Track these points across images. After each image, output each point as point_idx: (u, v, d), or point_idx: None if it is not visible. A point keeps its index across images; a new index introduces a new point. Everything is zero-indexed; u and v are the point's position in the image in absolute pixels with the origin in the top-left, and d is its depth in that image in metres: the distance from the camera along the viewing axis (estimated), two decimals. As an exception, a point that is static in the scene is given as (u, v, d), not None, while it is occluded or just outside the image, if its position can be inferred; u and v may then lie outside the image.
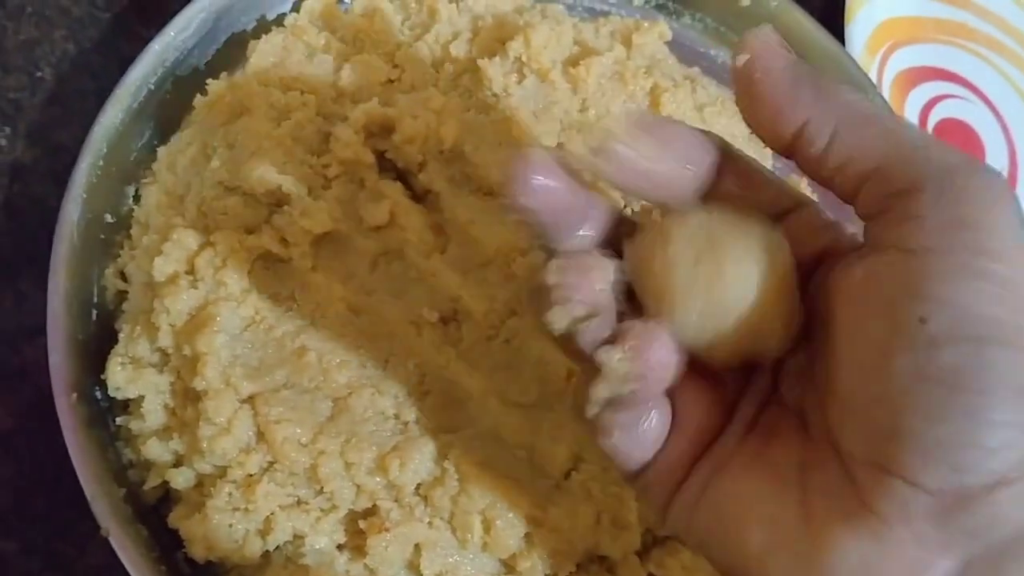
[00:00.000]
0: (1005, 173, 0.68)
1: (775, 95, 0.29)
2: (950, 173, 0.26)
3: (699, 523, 0.30)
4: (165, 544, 0.43)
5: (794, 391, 0.31)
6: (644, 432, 0.31)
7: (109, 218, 0.49)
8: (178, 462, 0.44)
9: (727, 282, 0.28)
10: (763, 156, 0.54)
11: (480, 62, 0.49)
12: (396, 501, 0.41)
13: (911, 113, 0.67)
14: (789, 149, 0.29)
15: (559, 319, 0.30)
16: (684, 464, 0.31)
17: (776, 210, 0.32)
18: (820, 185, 0.30)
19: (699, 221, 0.29)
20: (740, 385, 0.32)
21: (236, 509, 0.41)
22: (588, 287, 0.30)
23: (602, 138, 0.29)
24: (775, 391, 0.32)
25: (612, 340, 0.29)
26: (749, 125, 0.30)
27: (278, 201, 0.46)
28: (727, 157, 0.31)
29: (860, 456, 0.27)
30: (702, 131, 0.31)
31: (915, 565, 0.26)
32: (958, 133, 0.68)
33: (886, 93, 0.65)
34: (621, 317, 0.30)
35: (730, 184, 0.31)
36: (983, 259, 0.25)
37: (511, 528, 0.41)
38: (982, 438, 0.25)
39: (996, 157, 0.68)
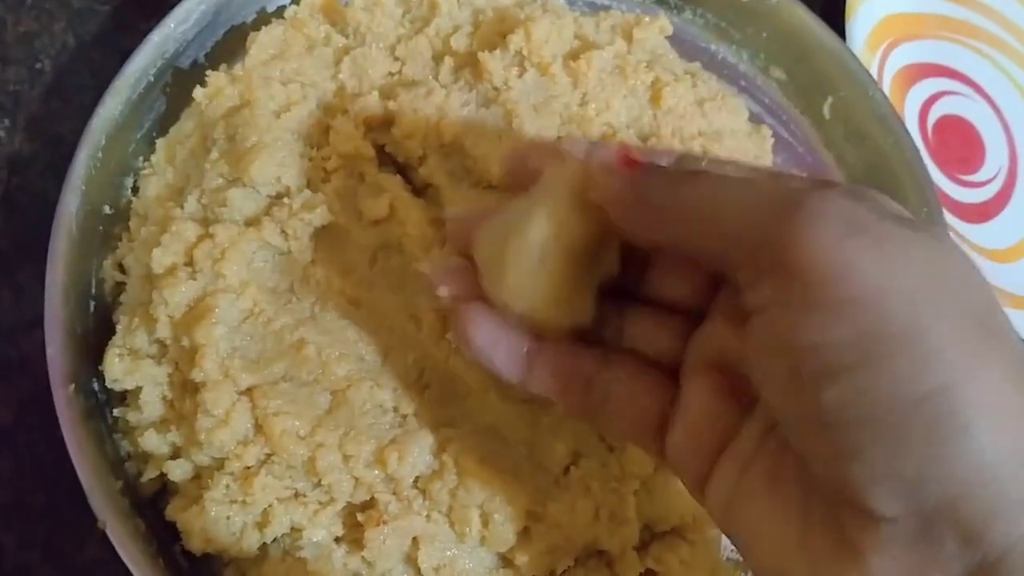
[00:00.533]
0: (1004, 171, 0.67)
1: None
2: (763, 230, 0.27)
3: (731, 527, 0.31)
4: (162, 536, 0.43)
5: None
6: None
7: (107, 210, 0.49)
8: (176, 454, 0.43)
9: (520, 257, 0.33)
10: (764, 151, 0.54)
11: (480, 56, 0.48)
12: (394, 494, 0.41)
13: (911, 110, 0.67)
14: None
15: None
16: (702, 450, 0.32)
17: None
18: None
19: (508, 212, 0.34)
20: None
21: (234, 501, 0.41)
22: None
23: None
24: None
25: None
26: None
27: (277, 194, 0.46)
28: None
29: (833, 498, 0.27)
30: None
31: None
32: (958, 130, 0.68)
33: (887, 89, 0.65)
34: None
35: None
36: (817, 301, 0.25)
37: (509, 522, 0.41)
38: (899, 466, 0.25)
39: (996, 154, 0.68)
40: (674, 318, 0.35)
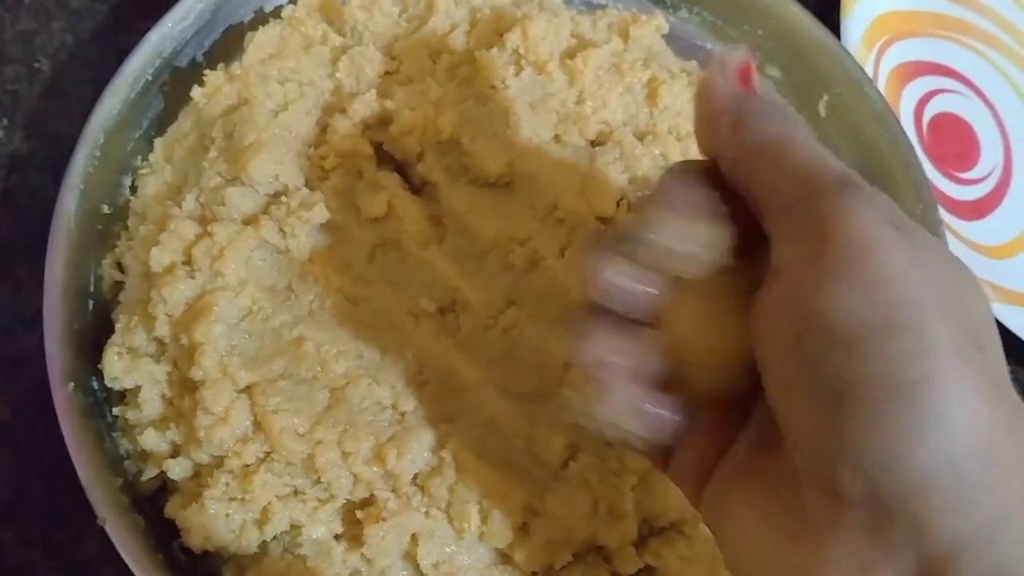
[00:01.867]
0: (999, 169, 0.68)
1: (702, 124, 0.32)
2: (816, 193, 0.27)
3: (713, 522, 0.33)
4: (161, 534, 0.43)
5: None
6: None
7: (106, 208, 0.49)
8: (175, 452, 0.44)
9: (727, 348, 0.32)
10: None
11: (478, 54, 0.49)
12: (393, 491, 0.41)
13: (906, 108, 0.67)
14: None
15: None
16: (704, 464, 0.33)
17: None
18: None
19: (703, 292, 0.32)
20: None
21: (233, 499, 0.41)
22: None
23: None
24: None
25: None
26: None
27: (276, 192, 0.47)
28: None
29: (805, 477, 0.28)
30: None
31: None
32: (953, 128, 0.68)
33: (882, 87, 0.65)
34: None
35: None
36: (843, 265, 0.26)
37: (508, 518, 0.41)
38: (872, 444, 0.26)
39: (991, 152, 0.68)
40: None
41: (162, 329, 0.44)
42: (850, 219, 0.26)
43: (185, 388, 0.43)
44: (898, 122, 0.57)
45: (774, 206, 0.29)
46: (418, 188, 0.48)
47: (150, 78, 0.51)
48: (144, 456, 0.45)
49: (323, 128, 0.48)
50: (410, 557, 0.41)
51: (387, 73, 0.51)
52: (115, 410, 0.45)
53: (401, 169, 0.49)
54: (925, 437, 0.25)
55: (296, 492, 0.42)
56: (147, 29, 0.50)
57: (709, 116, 0.32)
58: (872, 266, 0.26)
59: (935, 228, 0.54)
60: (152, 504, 0.45)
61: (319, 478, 0.41)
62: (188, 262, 0.44)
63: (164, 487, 0.45)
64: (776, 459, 0.30)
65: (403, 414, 0.43)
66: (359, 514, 0.41)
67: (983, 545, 0.25)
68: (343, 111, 0.48)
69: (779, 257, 0.28)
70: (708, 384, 0.33)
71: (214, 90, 0.49)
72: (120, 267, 0.48)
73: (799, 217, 0.28)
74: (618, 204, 0.47)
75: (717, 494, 0.32)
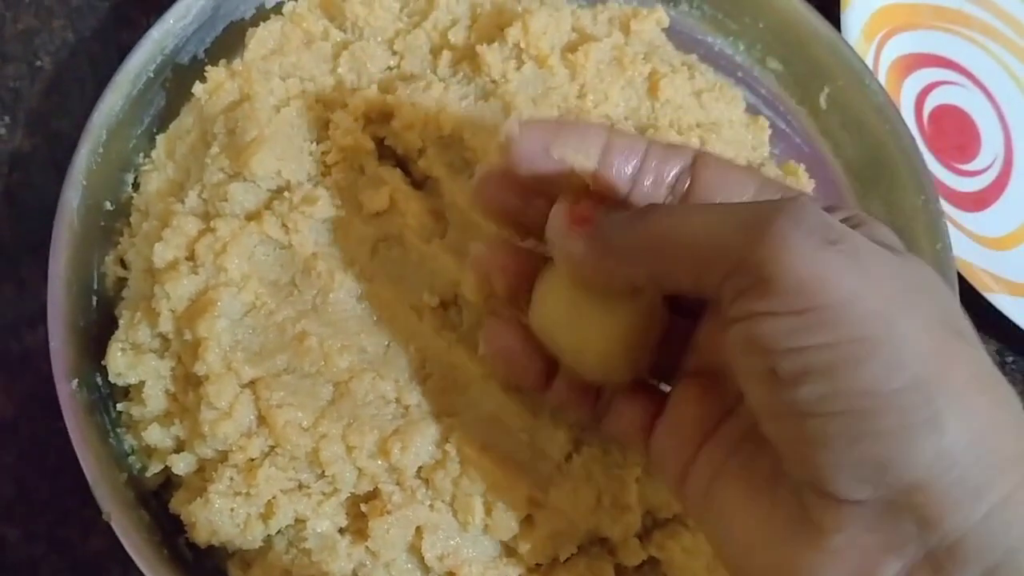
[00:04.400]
0: (1000, 160, 0.68)
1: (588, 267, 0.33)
2: (739, 243, 0.27)
3: (704, 519, 0.33)
4: (167, 529, 0.44)
5: None
6: None
7: (109, 205, 0.49)
8: (179, 447, 0.44)
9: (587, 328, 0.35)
10: (761, 142, 0.54)
11: (479, 48, 0.49)
12: (398, 484, 0.41)
13: (907, 100, 0.67)
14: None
15: None
16: (682, 449, 0.34)
17: None
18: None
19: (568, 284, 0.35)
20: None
21: (237, 493, 0.41)
22: None
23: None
24: None
25: None
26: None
27: (278, 188, 0.47)
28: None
29: (796, 477, 0.29)
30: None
31: (858, 571, 0.27)
32: (954, 120, 0.68)
33: (882, 80, 0.65)
34: None
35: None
36: (796, 306, 0.26)
37: (512, 510, 0.41)
38: (868, 453, 0.26)
39: (991, 144, 0.68)
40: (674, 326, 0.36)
41: (166, 325, 0.44)
42: (782, 263, 0.26)
43: (189, 383, 0.43)
44: (899, 114, 0.57)
45: (703, 283, 0.29)
46: (420, 183, 0.48)
47: (152, 75, 0.51)
48: (149, 451, 0.45)
49: (325, 124, 0.48)
50: (415, 550, 0.41)
51: (388, 68, 0.51)
52: (119, 406, 0.46)
53: (403, 164, 0.49)
54: (922, 438, 0.25)
55: (300, 486, 0.42)
56: (148, 26, 0.50)
57: (586, 269, 0.33)
58: (821, 298, 0.26)
59: (937, 220, 0.55)
60: (157, 499, 0.45)
61: (323, 472, 0.41)
62: (191, 258, 0.44)
63: (169, 482, 0.45)
64: (766, 455, 0.30)
65: (407, 408, 0.43)
66: (364, 507, 0.41)
67: (992, 536, 0.25)
68: (345, 106, 0.48)
69: (734, 312, 0.28)
70: (588, 373, 0.36)
71: (216, 86, 0.49)
72: (123, 263, 0.49)
73: (735, 283, 0.28)
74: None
75: (702, 485, 0.33)
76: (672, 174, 0.33)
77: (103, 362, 0.44)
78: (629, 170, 0.33)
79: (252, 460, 0.42)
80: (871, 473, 0.26)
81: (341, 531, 0.42)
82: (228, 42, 0.53)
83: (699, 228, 0.29)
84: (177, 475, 0.44)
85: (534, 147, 0.33)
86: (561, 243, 0.33)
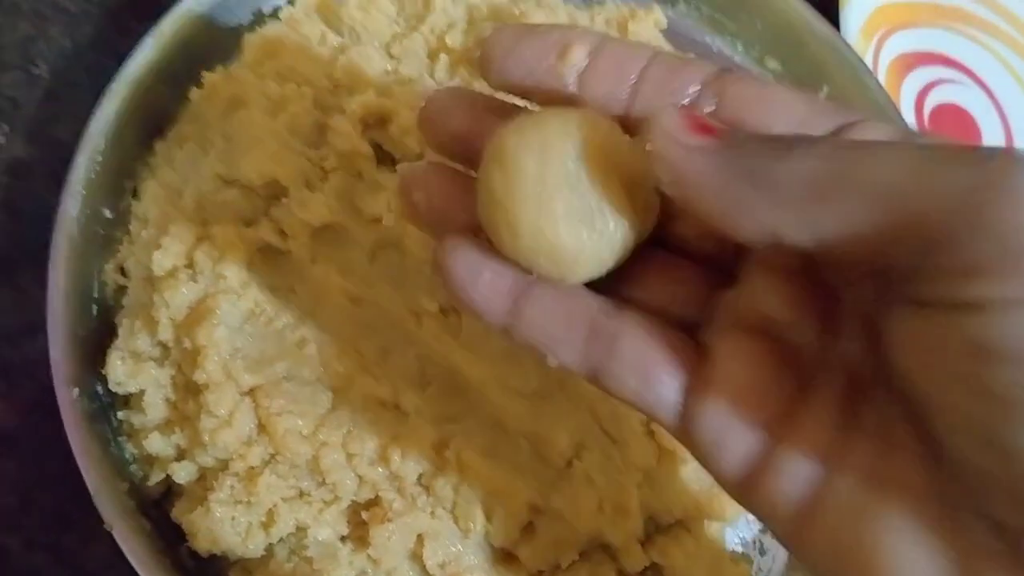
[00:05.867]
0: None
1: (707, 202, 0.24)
2: (969, 192, 0.20)
3: (816, 547, 0.25)
4: (169, 537, 0.44)
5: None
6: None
7: (108, 213, 0.49)
8: (180, 456, 0.44)
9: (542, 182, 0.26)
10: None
11: (476, 52, 0.48)
12: (398, 491, 0.41)
13: (907, 98, 0.67)
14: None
15: None
16: (743, 427, 0.26)
17: None
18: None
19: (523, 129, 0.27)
20: (811, 341, 0.26)
21: (238, 502, 0.41)
22: None
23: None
24: (879, 369, 0.24)
25: None
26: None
27: (276, 194, 0.47)
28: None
29: (1014, 526, 0.21)
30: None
31: None
32: (954, 118, 0.68)
33: (882, 78, 0.65)
34: None
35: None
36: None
37: (513, 517, 0.41)
38: None
39: (992, 142, 0.68)
40: (695, 271, 0.29)
41: (165, 333, 0.44)
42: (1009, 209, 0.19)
43: (189, 392, 0.43)
44: (899, 113, 0.57)
45: (884, 236, 0.21)
46: (418, 188, 0.48)
47: (149, 82, 0.51)
48: (149, 460, 0.45)
49: (322, 129, 0.48)
50: (416, 557, 0.41)
51: (386, 73, 0.51)
52: (120, 414, 0.45)
53: (401, 169, 0.49)
54: None
55: (301, 494, 0.42)
56: (145, 32, 0.50)
57: (693, 193, 0.24)
58: None
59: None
60: (158, 508, 0.45)
61: (324, 479, 0.41)
62: (190, 265, 0.44)
63: (170, 491, 0.45)
64: (907, 466, 0.23)
65: (407, 414, 0.43)
66: (364, 515, 0.41)
67: None
68: (342, 111, 0.48)
69: (933, 287, 0.21)
70: (542, 267, 0.27)
71: (213, 92, 0.49)
72: (123, 272, 0.48)
73: (952, 238, 0.20)
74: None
75: (800, 493, 0.25)
76: (692, 90, 0.26)
77: (103, 371, 0.44)
78: (626, 80, 0.26)
79: (252, 468, 0.41)
80: None
81: (342, 539, 0.42)
82: (225, 48, 0.53)
83: (906, 175, 0.21)
84: (178, 483, 0.44)
85: (507, 42, 0.27)
86: (672, 150, 0.24)
